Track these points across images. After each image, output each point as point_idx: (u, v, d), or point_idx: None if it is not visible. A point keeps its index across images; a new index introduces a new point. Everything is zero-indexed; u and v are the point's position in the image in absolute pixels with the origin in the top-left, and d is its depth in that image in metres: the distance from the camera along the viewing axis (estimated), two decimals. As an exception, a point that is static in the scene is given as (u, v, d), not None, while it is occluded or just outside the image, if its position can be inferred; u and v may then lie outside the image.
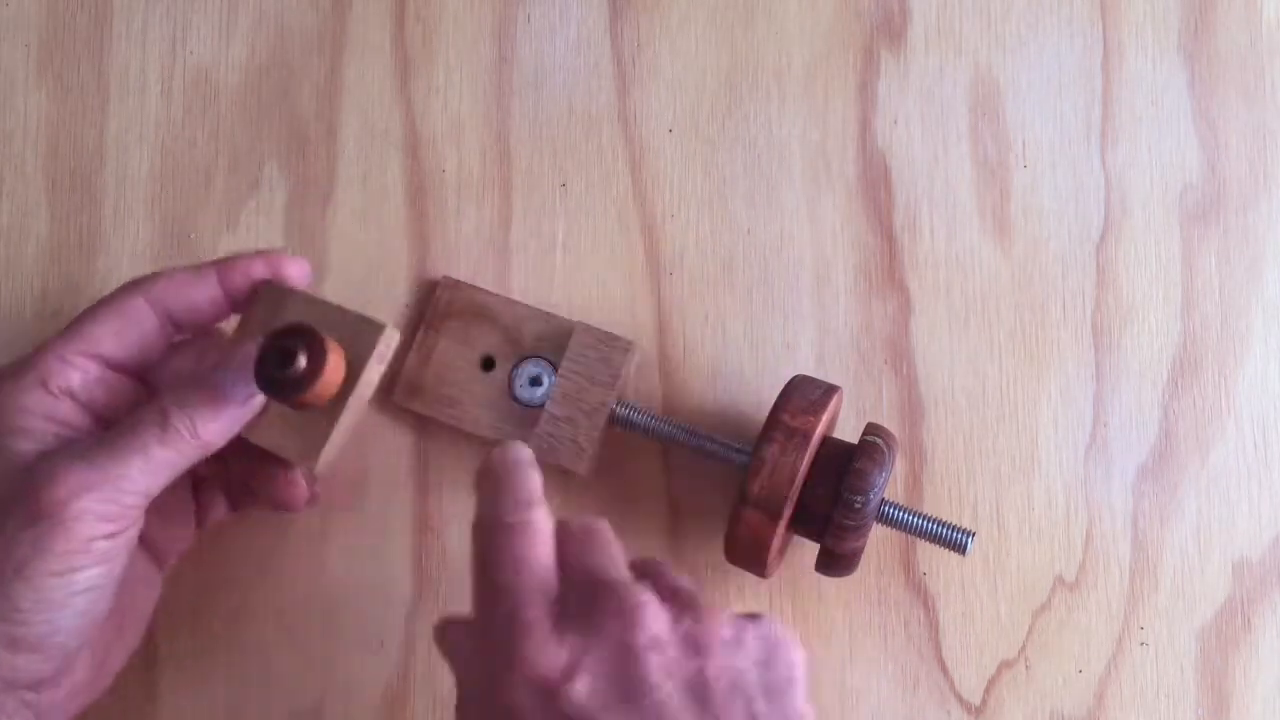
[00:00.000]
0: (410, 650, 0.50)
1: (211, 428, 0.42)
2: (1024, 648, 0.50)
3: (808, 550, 0.49)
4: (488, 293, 0.51)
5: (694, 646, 0.37)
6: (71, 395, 0.43)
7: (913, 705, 0.50)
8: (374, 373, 0.44)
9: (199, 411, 0.42)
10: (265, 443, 0.44)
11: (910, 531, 0.46)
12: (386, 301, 0.52)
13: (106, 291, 0.51)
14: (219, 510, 0.49)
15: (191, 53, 0.54)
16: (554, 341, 0.50)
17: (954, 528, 0.46)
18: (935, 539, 0.46)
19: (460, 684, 0.40)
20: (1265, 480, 0.51)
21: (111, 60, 0.54)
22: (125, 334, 0.44)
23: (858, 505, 0.44)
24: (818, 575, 0.48)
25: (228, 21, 0.54)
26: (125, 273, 0.52)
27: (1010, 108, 0.53)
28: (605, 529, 0.41)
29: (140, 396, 0.45)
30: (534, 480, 0.41)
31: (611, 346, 0.49)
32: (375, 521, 0.51)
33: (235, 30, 0.54)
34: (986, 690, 0.50)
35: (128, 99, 0.53)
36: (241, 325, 0.46)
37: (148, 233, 0.53)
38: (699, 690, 0.36)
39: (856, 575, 0.48)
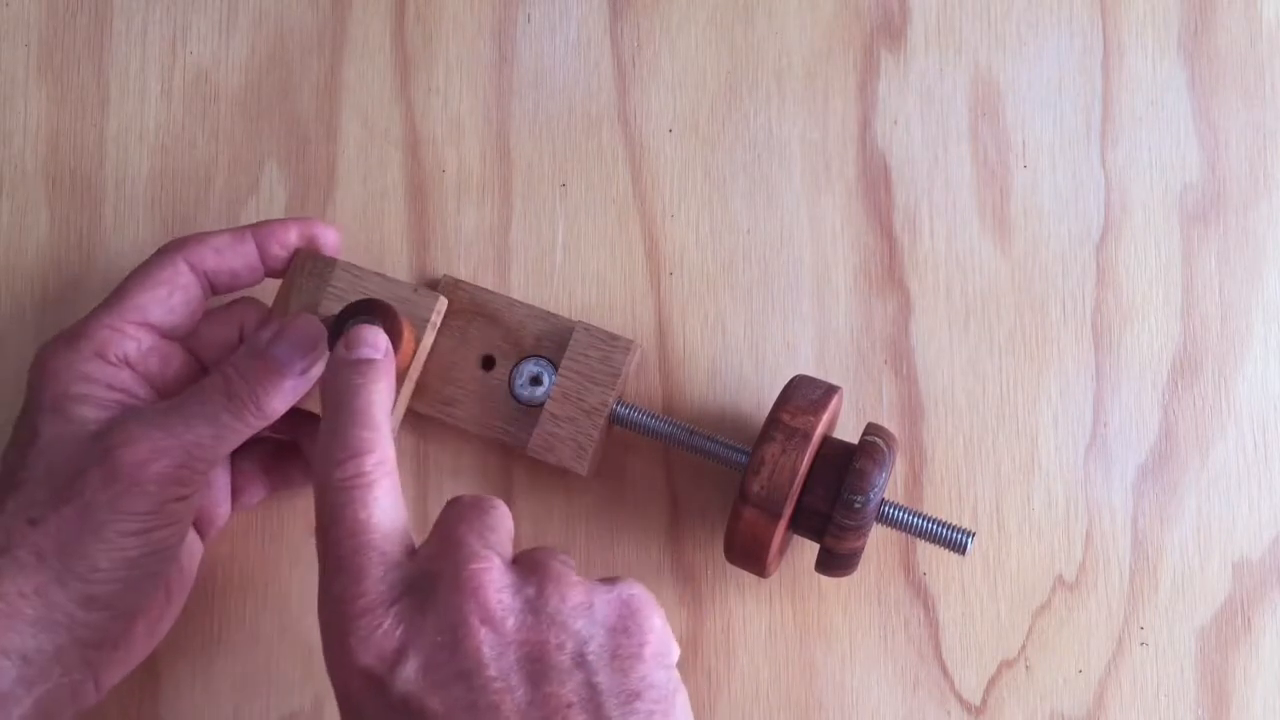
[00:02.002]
0: (410, 650, 0.50)
1: (274, 398, 0.43)
2: (1024, 648, 0.50)
3: (808, 550, 0.49)
4: (488, 292, 0.51)
5: (536, 614, 0.36)
6: (129, 364, 0.44)
7: (913, 705, 0.50)
8: (429, 340, 0.46)
9: (262, 384, 0.43)
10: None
11: (910, 531, 0.46)
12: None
13: (106, 291, 0.51)
14: (257, 490, 0.49)
15: (191, 53, 0.54)
16: (554, 341, 0.50)
17: (954, 528, 0.46)
18: (935, 539, 0.46)
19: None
20: (1265, 480, 0.51)
21: (111, 60, 0.54)
22: (172, 301, 0.45)
23: (858, 505, 0.44)
24: (818, 575, 0.48)
25: (228, 21, 0.54)
26: (125, 272, 0.52)
27: (1010, 108, 0.53)
28: (496, 506, 0.39)
29: (187, 362, 0.46)
30: (373, 401, 0.39)
31: (612, 346, 0.49)
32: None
33: (235, 30, 0.54)
34: (986, 690, 0.50)
35: (128, 99, 0.53)
36: (283, 292, 0.47)
37: (148, 233, 0.53)
38: (536, 664, 0.35)
39: (856, 575, 0.48)
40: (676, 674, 0.37)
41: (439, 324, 0.47)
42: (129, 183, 0.53)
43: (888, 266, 0.52)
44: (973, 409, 0.51)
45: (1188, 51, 0.53)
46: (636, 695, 0.35)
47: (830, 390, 0.46)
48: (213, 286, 0.47)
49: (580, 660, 0.35)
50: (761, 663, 0.50)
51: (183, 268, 0.45)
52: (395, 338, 0.43)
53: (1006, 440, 0.51)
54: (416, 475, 0.51)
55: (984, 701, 0.50)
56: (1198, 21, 0.54)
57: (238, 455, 0.48)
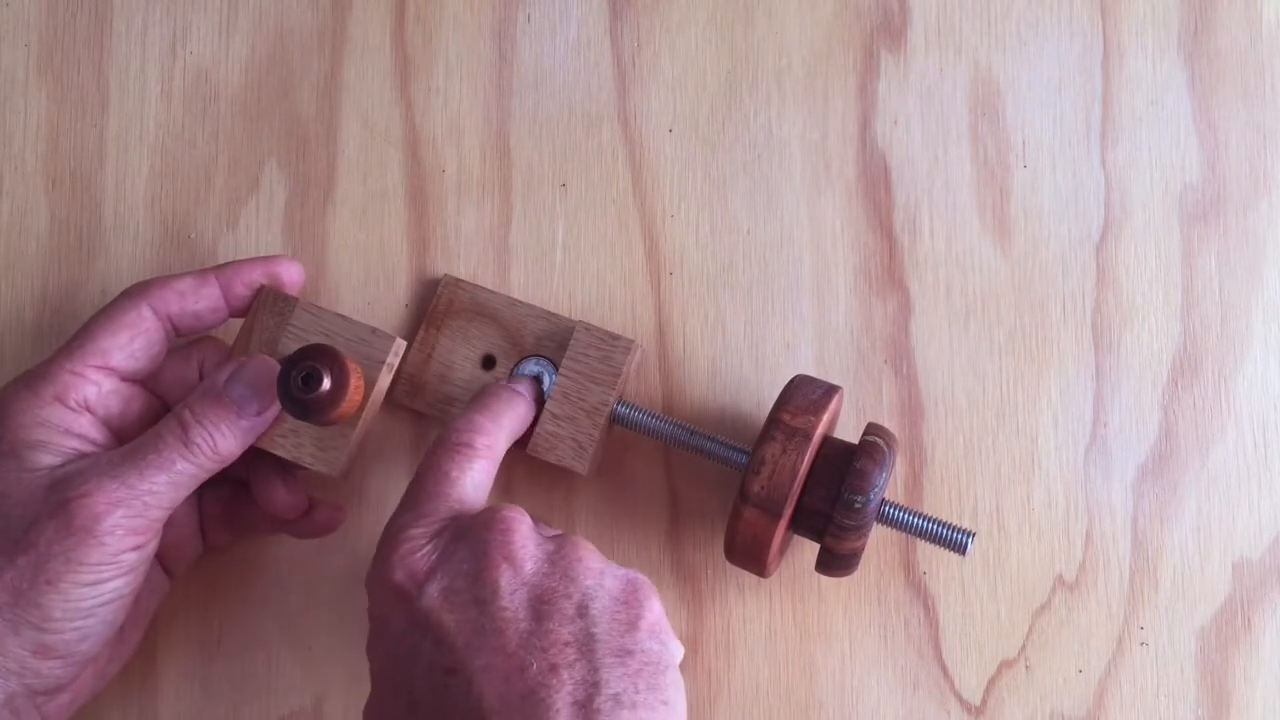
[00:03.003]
0: (410, 650, 0.50)
1: (230, 441, 0.44)
2: (1024, 648, 0.50)
3: (808, 550, 0.49)
4: (489, 292, 0.51)
5: (552, 565, 0.40)
6: (88, 408, 0.44)
7: (913, 705, 0.50)
8: (384, 381, 0.47)
9: (218, 426, 0.43)
10: (284, 453, 0.46)
11: (910, 532, 0.46)
12: (387, 301, 0.52)
13: (106, 291, 0.51)
14: (220, 533, 0.49)
15: (191, 53, 0.54)
16: (555, 341, 0.50)
17: (954, 528, 0.46)
18: (935, 539, 0.46)
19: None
20: (1265, 480, 0.51)
21: (111, 60, 0.54)
22: (133, 345, 0.45)
23: (858, 505, 0.44)
24: (818, 575, 0.48)
25: (228, 21, 0.54)
26: (125, 272, 0.52)
27: (1010, 108, 0.53)
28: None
29: (148, 403, 0.46)
30: (506, 417, 0.45)
31: (612, 346, 0.49)
32: (375, 520, 0.51)
33: (235, 30, 0.54)
34: (986, 690, 0.50)
35: (128, 99, 0.53)
36: (244, 331, 0.47)
37: (148, 233, 0.53)
38: (543, 605, 0.38)
39: (856, 575, 0.48)
40: (673, 657, 0.40)
41: (396, 365, 0.47)
42: (129, 183, 0.53)
43: (888, 266, 0.52)
44: (973, 409, 0.51)
45: (1188, 51, 0.53)
46: (628, 653, 0.38)
47: (831, 390, 0.46)
48: (176, 329, 0.46)
49: (583, 611, 0.39)
50: (761, 663, 0.50)
51: (146, 312, 0.45)
52: (341, 383, 0.43)
53: (1006, 440, 0.51)
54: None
55: (984, 701, 0.50)
56: (1198, 21, 0.54)
57: (202, 497, 0.48)
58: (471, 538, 0.40)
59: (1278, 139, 0.53)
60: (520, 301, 0.51)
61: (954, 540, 0.46)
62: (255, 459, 0.47)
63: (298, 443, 0.46)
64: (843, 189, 0.53)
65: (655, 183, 0.53)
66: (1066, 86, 0.53)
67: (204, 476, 0.44)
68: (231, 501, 0.49)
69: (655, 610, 0.40)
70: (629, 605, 0.40)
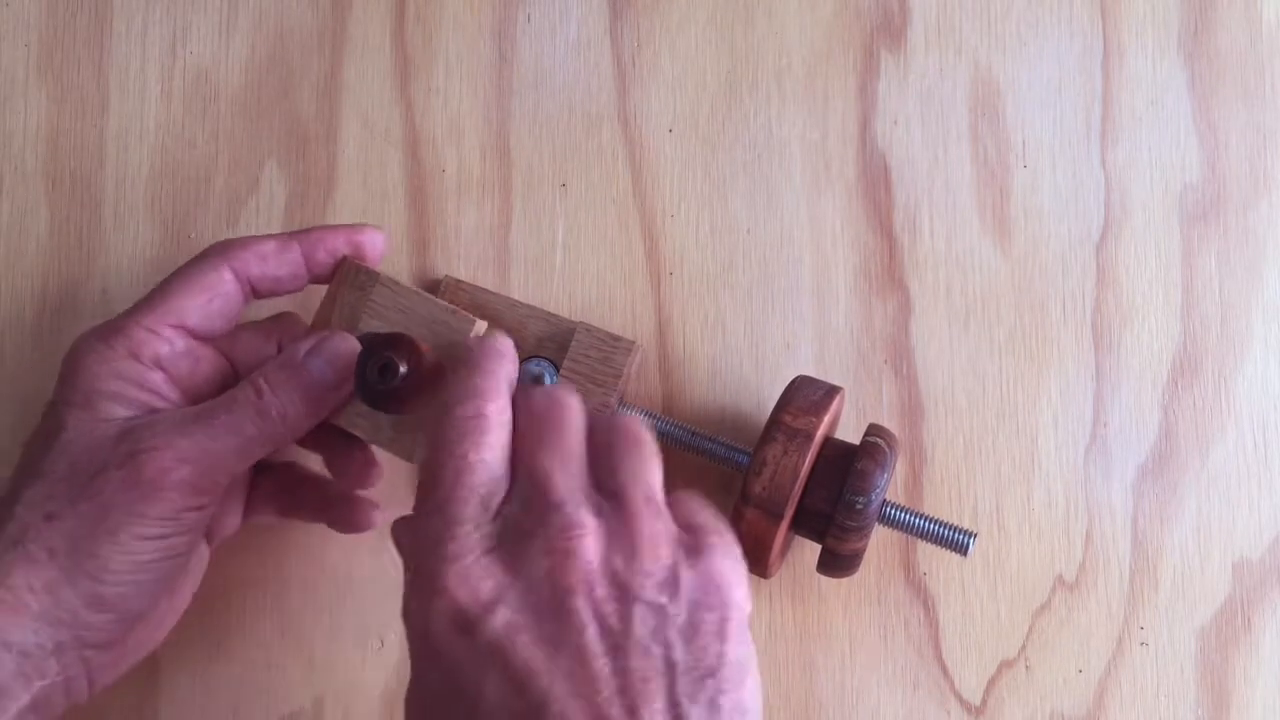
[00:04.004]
0: (410, 650, 0.50)
1: (301, 414, 0.43)
2: (1024, 648, 0.50)
3: (809, 550, 0.49)
4: (489, 292, 0.51)
5: (622, 588, 0.36)
6: (161, 366, 0.44)
7: (913, 705, 0.50)
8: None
9: (291, 397, 0.43)
10: (361, 433, 0.45)
11: (911, 532, 0.46)
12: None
13: (107, 291, 0.51)
14: (268, 512, 0.49)
15: (191, 53, 0.54)
16: (556, 341, 0.50)
17: (955, 528, 0.46)
18: (936, 540, 0.46)
19: (406, 574, 0.39)
20: (1265, 480, 0.51)
21: (111, 60, 0.54)
22: (211, 306, 0.45)
23: (859, 506, 0.44)
24: (819, 576, 0.48)
25: (228, 21, 0.54)
26: (125, 272, 0.52)
27: (1010, 108, 0.53)
28: (566, 413, 0.40)
29: (219, 367, 0.46)
30: (502, 371, 0.40)
31: (613, 347, 0.49)
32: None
33: (235, 30, 0.54)
34: (986, 690, 0.50)
35: (128, 99, 0.53)
36: (327, 303, 0.47)
37: (148, 233, 0.53)
38: (619, 634, 0.35)
39: (856, 575, 0.48)
40: (752, 657, 0.37)
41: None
42: (129, 183, 0.53)
43: (888, 266, 0.52)
44: (973, 409, 0.51)
45: (1188, 51, 0.53)
46: (710, 673, 0.35)
47: (831, 391, 0.46)
48: (255, 292, 0.46)
49: (660, 636, 0.35)
50: (762, 663, 0.50)
51: (226, 274, 0.45)
52: (417, 375, 0.43)
53: (1006, 440, 0.51)
54: (416, 474, 0.51)
55: (984, 701, 0.50)
56: (1198, 21, 0.54)
57: (256, 473, 0.48)
58: (536, 561, 0.36)
59: (1278, 139, 0.53)
60: (520, 303, 0.51)
61: (955, 541, 0.46)
62: (327, 431, 0.46)
63: (375, 425, 0.45)
64: (843, 189, 0.53)
65: (655, 183, 0.53)
66: (1066, 86, 0.53)
67: (271, 447, 0.43)
68: (283, 480, 0.49)
69: (737, 603, 0.37)
70: (710, 609, 0.36)
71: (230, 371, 0.46)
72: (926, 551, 0.50)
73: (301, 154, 0.53)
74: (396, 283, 0.46)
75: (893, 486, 0.50)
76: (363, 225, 0.47)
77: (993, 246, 0.52)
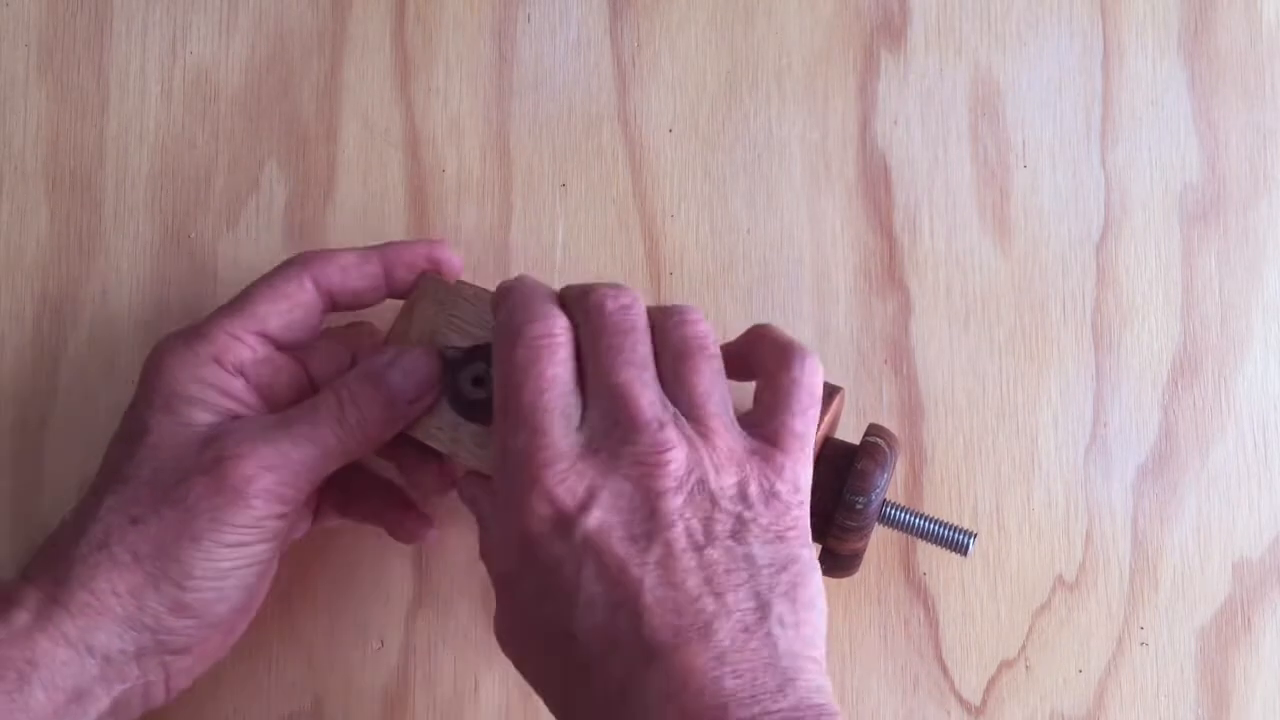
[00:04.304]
0: (410, 650, 0.50)
1: (380, 426, 0.44)
2: (1024, 648, 0.50)
3: (808, 550, 0.49)
4: (489, 292, 0.51)
5: (704, 495, 0.38)
6: (242, 372, 0.44)
7: (913, 705, 0.50)
8: None
9: (372, 409, 0.44)
10: (440, 446, 0.45)
11: (912, 532, 0.46)
12: (387, 301, 0.52)
13: (107, 291, 0.51)
14: (333, 516, 0.50)
15: (191, 53, 0.54)
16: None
17: (956, 528, 0.46)
18: (937, 540, 0.46)
19: (481, 523, 0.43)
20: (1265, 480, 0.51)
21: (111, 60, 0.54)
22: (292, 315, 0.45)
23: (860, 506, 0.44)
24: (818, 575, 0.48)
25: (228, 21, 0.54)
26: (125, 272, 0.52)
27: (1010, 108, 0.53)
28: (633, 317, 0.41)
29: (296, 375, 0.46)
30: (549, 293, 0.42)
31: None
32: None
33: (235, 30, 0.54)
34: (986, 690, 0.50)
35: (128, 99, 0.53)
36: (404, 316, 0.47)
37: (148, 233, 0.53)
38: (702, 534, 0.38)
39: (857, 575, 0.48)
40: (815, 556, 0.40)
41: None
42: (129, 183, 0.53)
43: (888, 266, 0.52)
44: (973, 409, 0.51)
45: (1188, 51, 0.53)
46: (784, 567, 0.38)
47: (832, 391, 0.46)
48: (334, 304, 0.47)
49: (740, 536, 0.38)
50: (762, 663, 0.50)
51: (308, 284, 0.46)
52: None
53: (1006, 440, 0.51)
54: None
55: (984, 701, 0.50)
56: (1198, 21, 0.54)
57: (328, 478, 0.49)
58: (624, 463, 0.38)
59: (1278, 139, 0.53)
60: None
61: (956, 541, 0.46)
62: (403, 442, 0.46)
63: (455, 437, 0.45)
64: (843, 189, 0.53)
65: (655, 183, 0.53)
66: (1066, 86, 0.53)
67: (350, 457, 0.44)
68: (352, 485, 0.49)
69: (798, 503, 0.40)
70: (780, 515, 0.39)
71: (306, 381, 0.46)
72: (926, 552, 0.50)
73: (301, 154, 0.53)
74: (478, 296, 0.46)
75: (893, 487, 0.50)
76: (442, 241, 0.48)
77: (993, 246, 0.52)
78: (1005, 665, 0.50)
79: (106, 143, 0.53)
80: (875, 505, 0.44)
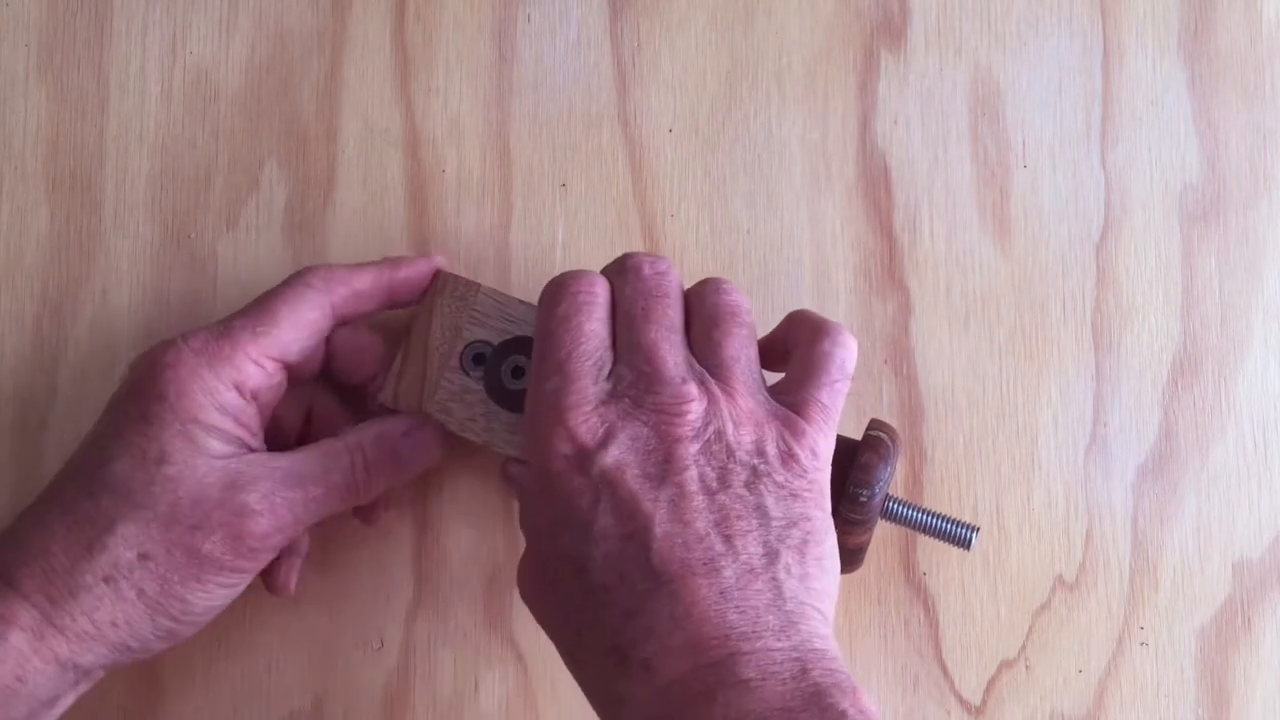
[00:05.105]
0: (410, 650, 0.50)
1: (381, 488, 0.46)
2: (1024, 648, 0.50)
3: (808, 550, 0.49)
4: (503, 292, 0.51)
5: (721, 446, 0.40)
6: (255, 398, 0.45)
7: (913, 705, 0.50)
8: None
9: (380, 476, 0.46)
10: (475, 437, 0.47)
11: (915, 527, 0.46)
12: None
13: (107, 291, 0.51)
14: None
15: (191, 53, 0.54)
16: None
17: (958, 523, 0.46)
18: (940, 534, 0.46)
19: (521, 496, 0.44)
20: (1265, 480, 0.51)
21: (111, 60, 0.54)
22: (308, 342, 0.46)
23: (863, 499, 0.44)
24: (818, 575, 0.48)
25: (228, 21, 0.54)
26: (125, 272, 0.52)
27: (1010, 108, 0.53)
28: (666, 284, 0.43)
29: (294, 400, 0.48)
30: (595, 272, 0.44)
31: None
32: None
33: (235, 30, 0.54)
34: (986, 690, 0.50)
35: (128, 99, 0.53)
36: (424, 316, 0.48)
37: (148, 233, 0.53)
38: (716, 480, 0.39)
39: (856, 575, 0.48)
40: (830, 522, 0.41)
41: None
42: (129, 183, 0.53)
43: (888, 266, 0.52)
44: (973, 409, 0.51)
45: (1188, 51, 0.53)
46: (796, 523, 0.39)
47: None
48: (340, 320, 0.47)
49: (754, 488, 0.39)
50: (762, 663, 0.50)
51: (329, 313, 0.46)
52: None
53: (1006, 440, 0.51)
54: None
55: (984, 701, 0.50)
56: (1198, 21, 0.54)
57: None
58: (645, 410, 0.40)
59: (1278, 139, 0.53)
60: (524, 303, 0.51)
61: (958, 535, 0.46)
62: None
63: (489, 428, 0.46)
64: (843, 189, 0.53)
65: (655, 183, 0.53)
66: (1066, 86, 0.53)
67: (346, 509, 0.46)
68: None
69: (815, 468, 0.41)
70: (798, 476, 0.40)
71: (306, 409, 0.48)
72: (927, 551, 0.50)
73: (301, 154, 0.53)
74: (498, 292, 0.48)
75: (893, 485, 0.50)
76: (442, 259, 0.49)
77: (993, 246, 0.52)
78: (1005, 665, 0.50)
79: (106, 143, 0.53)
80: (879, 498, 0.44)
